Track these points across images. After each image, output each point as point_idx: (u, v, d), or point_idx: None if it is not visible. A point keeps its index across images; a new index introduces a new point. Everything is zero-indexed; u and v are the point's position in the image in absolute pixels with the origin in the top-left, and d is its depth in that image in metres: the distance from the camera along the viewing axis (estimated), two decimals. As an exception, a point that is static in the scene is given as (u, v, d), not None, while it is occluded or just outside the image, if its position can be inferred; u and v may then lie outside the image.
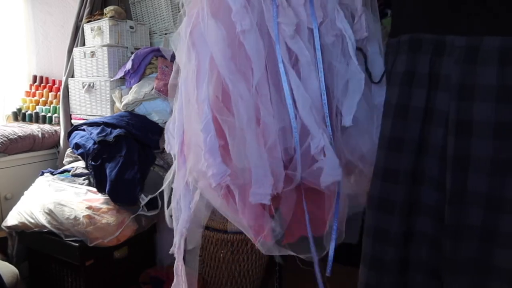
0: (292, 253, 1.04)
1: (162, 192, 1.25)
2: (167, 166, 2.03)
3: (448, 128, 0.76)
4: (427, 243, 0.82)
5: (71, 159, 2.26)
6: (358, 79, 0.97)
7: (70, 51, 2.53)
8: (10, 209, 1.94)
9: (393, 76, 0.86)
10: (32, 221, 1.80)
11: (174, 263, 1.17)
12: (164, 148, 1.24)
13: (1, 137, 2.16)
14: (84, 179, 2.02)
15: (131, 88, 2.18)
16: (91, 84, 2.35)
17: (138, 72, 2.19)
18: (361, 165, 1.02)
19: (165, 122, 1.31)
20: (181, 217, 1.11)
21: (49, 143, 2.48)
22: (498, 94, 0.72)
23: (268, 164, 0.95)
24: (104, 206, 1.82)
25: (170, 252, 1.17)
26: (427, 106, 0.80)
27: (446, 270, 0.78)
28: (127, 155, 1.90)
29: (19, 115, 2.67)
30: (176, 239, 1.14)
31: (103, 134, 1.94)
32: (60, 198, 1.82)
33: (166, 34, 2.44)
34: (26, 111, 2.67)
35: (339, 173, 0.92)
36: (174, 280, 1.19)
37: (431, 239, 0.81)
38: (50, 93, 2.72)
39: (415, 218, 0.83)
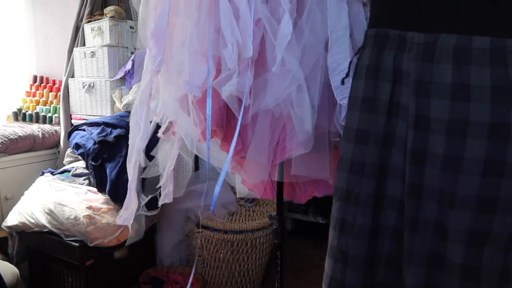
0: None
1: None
2: (167, 166, 2.03)
3: (408, 122, 0.77)
4: (393, 236, 0.83)
5: (71, 159, 2.26)
6: (286, 21, 0.97)
7: (70, 51, 2.53)
8: (10, 209, 1.94)
9: (359, 70, 0.86)
10: (33, 221, 1.80)
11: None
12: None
13: (1, 137, 2.16)
14: (84, 179, 2.02)
15: (131, 88, 2.19)
16: (91, 84, 2.35)
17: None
18: (277, 110, 1.03)
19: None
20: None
21: (49, 143, 2.48)
22: (453, 92, 0.73)
23: (203, 55, 0.99)
24: (104, 206, 1.83)
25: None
26: (392, 100, 0.81)
27: (404, 261, 0.80)
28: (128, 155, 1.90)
29: (19, 115, 2.67)
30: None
31: (104, 134, 1.94)
32: (60, 198, 1.82)
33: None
34: (27, 111, 2.67)
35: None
36: (127, 196, 1.23)
37: (396, 232, 0.82)
38: (50, 93, 2.72)
39: (381, 211, 0.83)
